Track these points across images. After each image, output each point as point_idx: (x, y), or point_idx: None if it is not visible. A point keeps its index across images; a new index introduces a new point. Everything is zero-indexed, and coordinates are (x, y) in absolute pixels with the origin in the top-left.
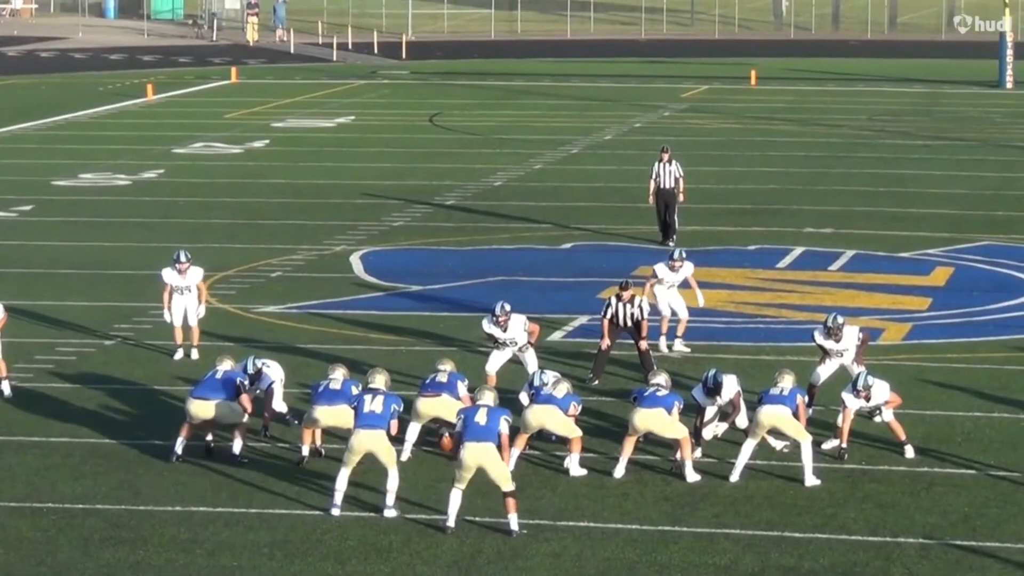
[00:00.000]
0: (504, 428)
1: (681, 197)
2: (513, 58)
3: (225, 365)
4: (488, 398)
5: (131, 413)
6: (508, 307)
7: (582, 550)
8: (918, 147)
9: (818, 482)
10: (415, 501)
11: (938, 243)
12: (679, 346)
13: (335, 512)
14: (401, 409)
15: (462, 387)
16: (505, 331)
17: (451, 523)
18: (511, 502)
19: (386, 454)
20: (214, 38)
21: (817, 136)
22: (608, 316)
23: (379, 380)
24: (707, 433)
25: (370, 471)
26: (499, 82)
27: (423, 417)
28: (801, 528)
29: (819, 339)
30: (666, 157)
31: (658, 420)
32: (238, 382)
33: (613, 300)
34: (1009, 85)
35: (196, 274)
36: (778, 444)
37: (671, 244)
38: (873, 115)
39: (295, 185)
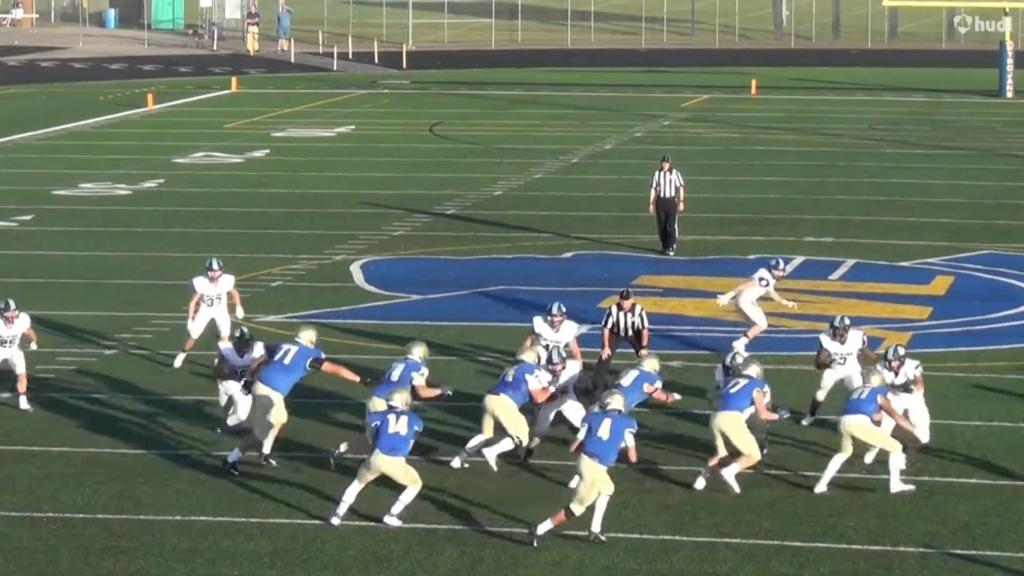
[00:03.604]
0: (631, 441)
1: (681, 206)
2: (513, 67)
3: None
4: (618, 402)
5: (132, 422)
6: (564, 308)
7: (582, 559)
8: (918, 156)
9: (910, 488)
10: (417, 510)
11: (938, 252)
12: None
13: (335, 522)
14: (421, 430)
15: (533, 380)
16: (557, 332)
17: (596, 527)
18: (563, 515)
19: (404, 476)
20: (214, 48)
21: (817, 145)
22: (609, 326)
23: (416, 352)
24: None
25: (375, 482)
26: (499, 91)
27: (489, 415)
28: (802, 537)
29: (825, 341)
30: (667, 166)
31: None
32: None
33: (614, 309)
34: (1009, 94)
35: (228, 282)
36: (868, 457)
37: (671, 253)
38: (873, 124)
39: (295, 195)
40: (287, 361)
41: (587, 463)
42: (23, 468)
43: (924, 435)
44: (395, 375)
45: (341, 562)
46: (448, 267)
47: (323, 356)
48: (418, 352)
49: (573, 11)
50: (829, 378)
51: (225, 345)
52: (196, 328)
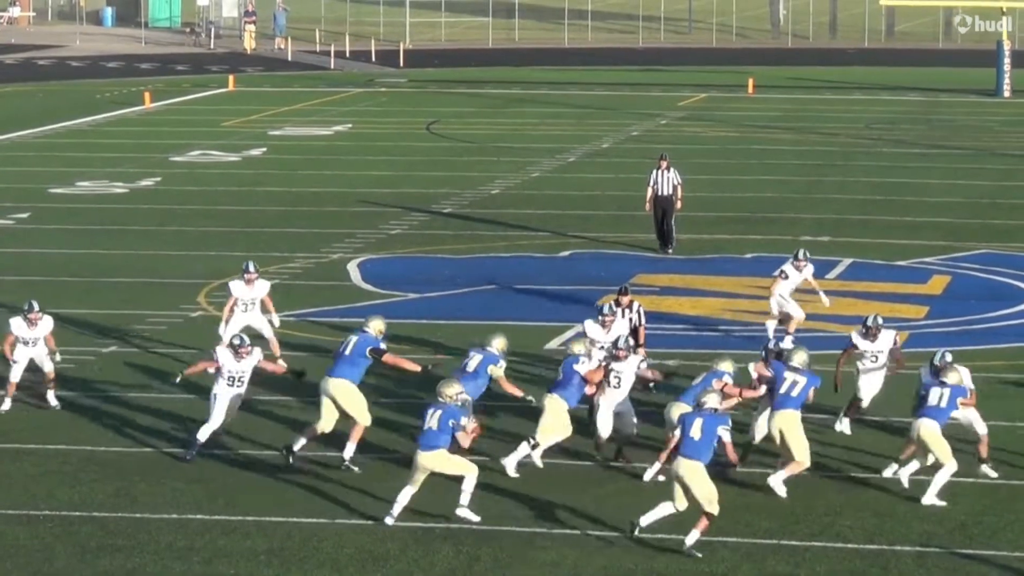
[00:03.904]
0: (727, 437)
1: (679, 204)
2: (510, 66)
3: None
4: (713, 400)
5: (128, 420)
6: (614, 307)
7: (579, 558)
8: (915, 155)
9: (942, 503)
10: (415, 509)
11: (935, 251)
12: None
13: (388, 521)
14: (461, 422)
15: (582, 366)
16: (608, 332)
17: (691, 541)
18: (705, 522)
19: (451, 468)
20: (211, 46)
21: (814, 144)
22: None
23: (496, 345)
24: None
25: (374, 479)
26: (496, 90)
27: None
28: (798, 536)
29: (856, 339)
30: (664, 164)
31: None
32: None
33: (612, 305)
34: (1007, 93)
35: (263, 287)
36: (906, 472)
37: (669, 251)
38: (870, 123)
39: (292, 193)
40: (348, 352)
41: (683, 464)
42: (19, 466)
43: (982, 429)
44: (471, 366)
45: (338, 560)
46: (445, 266)
47: (383, 347)
48: (497, 344)
49: (570, 10)
50: (865, 381)
51: (222, 349)
52: (229, 332)
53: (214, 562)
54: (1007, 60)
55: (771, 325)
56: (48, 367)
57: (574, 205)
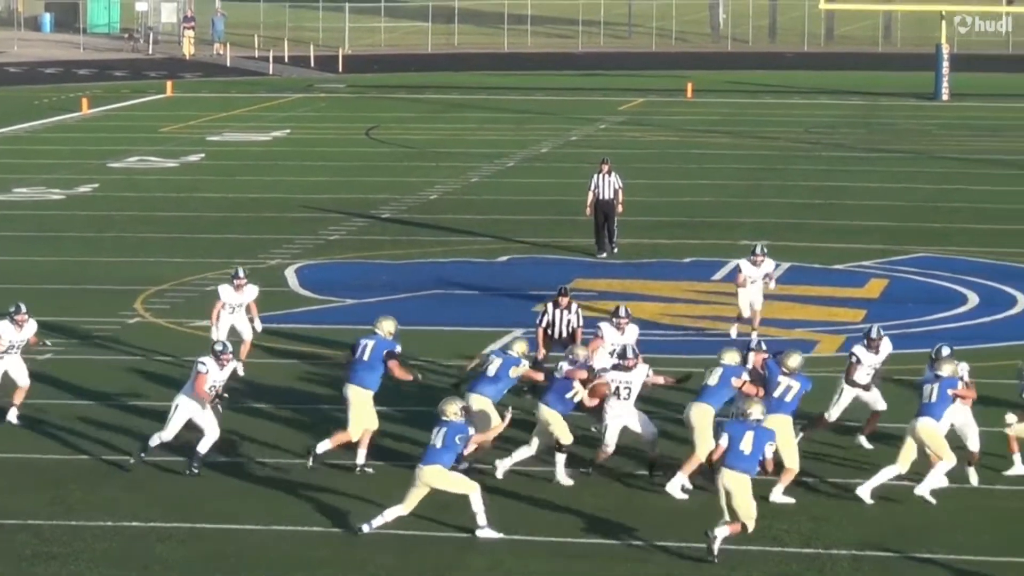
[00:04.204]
0: (768, 453)
1: (620, 208)
2: (450, 71)
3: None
4: (758, 412)
5: (65, 428)
6: (629, 310)
7: (516, 563)
8: (854, 159)
9: (932, 501)
10: (350, 514)
11: (873, 255)
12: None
13: (365, 528)
14: (468, 437)
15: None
16: (623, 335)
17: (715, 551)
18: (735, 528)
19: (452, 485)
20: (150, 52)
21: (753, 148)
22: (544, 324)
23: (517, 348)
24: None
25: (307, 485)
26: (436, 95)
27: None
28: (734, 540)
29: (860, 352)
30: (606, 168)
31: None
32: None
33: (550, 307)
34: (945, 97)
35: (252, 292)
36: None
37: (603, 256)
38: (809, 127)
39: (230, 199)
40: (366, 357)
41: (729, 476)
42: None
43: (974, 445)
44: (491, 370)
45: (274, 566)
46: (383, 271)
47: (398, 350)
48: (518, 348)
49: (510, 15)
50: (849, 394)
51: (209, 360)
52: (221, 334)
53: (150, 569)
54: (946, 64)
55: (735, 330)
56: (23, 381)
57: (513, 210)
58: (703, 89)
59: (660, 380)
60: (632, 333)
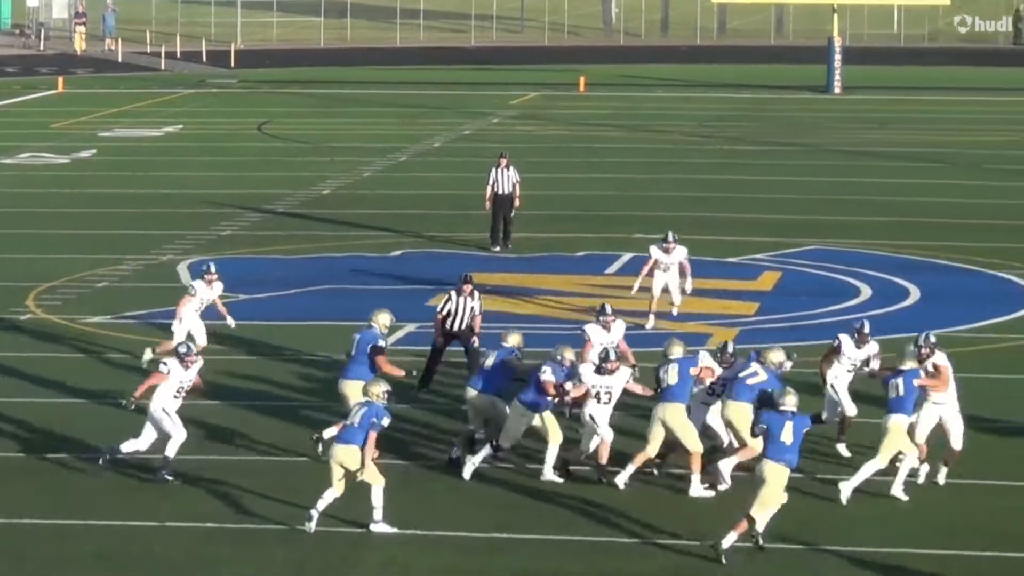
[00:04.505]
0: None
1: (517, 203)
2: (343, 66)
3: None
4: (791, 402)
5: None
6: (612, 309)
7: (411, 558)
8: (747, 152)
9: (905, 497)
10: (248, 511)
11: (766, 248)
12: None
13: (309, 526)
14: (383, 423)
15: (544, 375)
16: (609, 333)
17: (727, 544)
18: (741, 527)
19: (359, 468)
20: (41, 47)
21: (647, 142)
22: (444, 312)
23: (511, 340)
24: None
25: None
26: (328, 90)
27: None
28: (628, 534)
29: (847, 347)
30: (504, 163)
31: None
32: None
33: (453, 295)
34: (837, 90)
35: (219, 288)
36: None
37: (496, 250)
38: (703, 121)
39: (122, 195)
40: (354, 351)
41: (771, 467)
42: None
43: (957, 443)
44: (488, 362)
45: (168, 563)
46: (276, 266)
47: (382, 344)
48: (513, 340)
49: (403, 9)
50: (844, 385)
51: (172, 362)
52: (183, 331)
53: (46, 566)
54: (838, 57)
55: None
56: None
57: (406, 204)
58: (596, 83)
59: (638, 389)
60: (619, 329)
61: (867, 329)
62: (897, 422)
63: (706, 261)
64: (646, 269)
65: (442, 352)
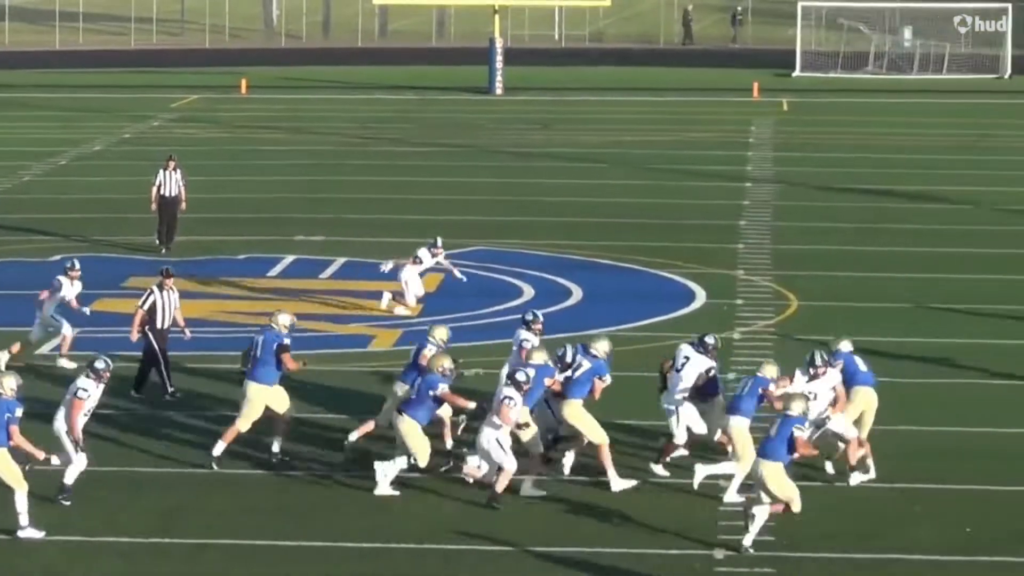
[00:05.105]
0: (799, 434)
1: (183, 205)
2: (1, 69)
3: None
4: (797, 408)
5: None
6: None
7: (72, 565)
8: (409, 153)
9: (741, 498)
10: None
11: None
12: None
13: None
14: (15, 416)
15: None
16: (540, 336)
17: (748, 543)
18: (778, 507)
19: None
20: None
21: (309, 144)
22: (147, 305)
23: (438, 335)
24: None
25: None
26: None
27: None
28: (294, 536)
29: (801, 382)
30: (172, 165)
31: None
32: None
33: (155, 289)
34: (499, 91)
35: (79, 286)
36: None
37: (164, 252)
38: (365, 123)
39: None
40: (259, 354)
41: (763, 465)
42: None
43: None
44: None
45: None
46: None
47: (287, 342)
48: (439, 335)
49: (62, 12)
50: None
51: (88, 382)
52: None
53: None
54: (499, 58)
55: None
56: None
57: (67, 208)
58: (258, 85)
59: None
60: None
61: (819, 361)
62: (735, 423)
63: (369, 263)
64: (414, 268)
65: (164, 355)
